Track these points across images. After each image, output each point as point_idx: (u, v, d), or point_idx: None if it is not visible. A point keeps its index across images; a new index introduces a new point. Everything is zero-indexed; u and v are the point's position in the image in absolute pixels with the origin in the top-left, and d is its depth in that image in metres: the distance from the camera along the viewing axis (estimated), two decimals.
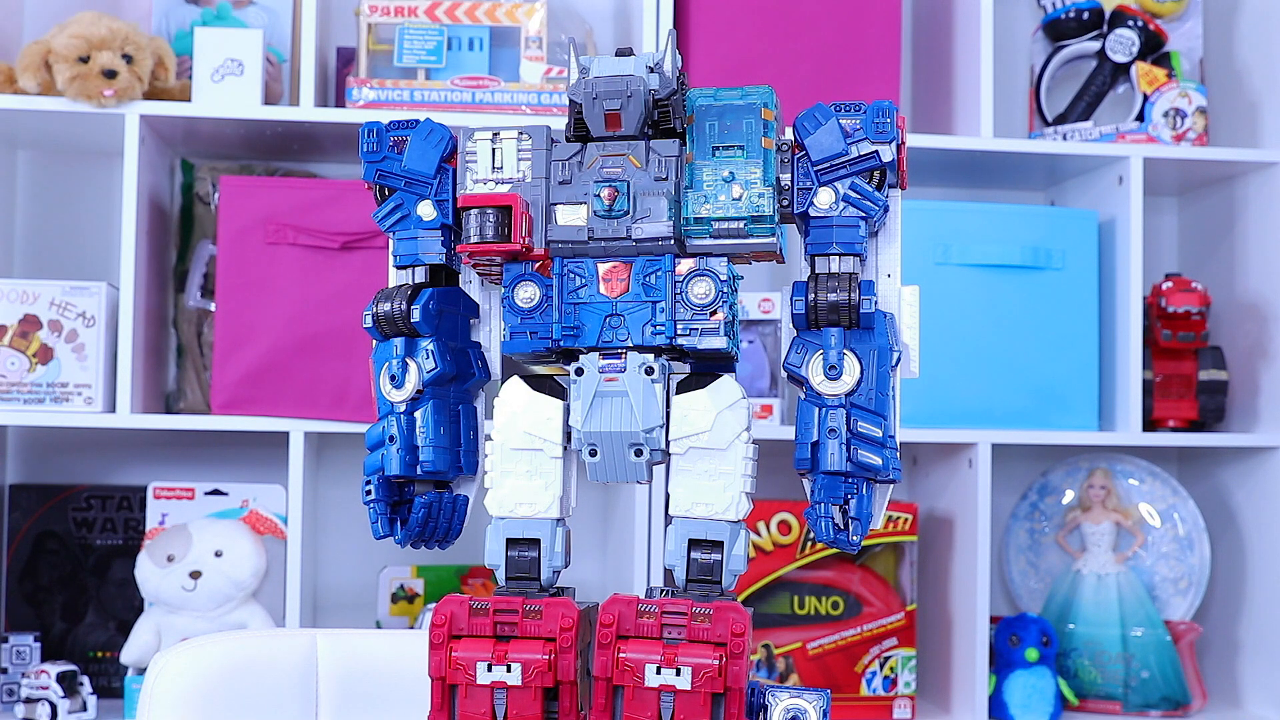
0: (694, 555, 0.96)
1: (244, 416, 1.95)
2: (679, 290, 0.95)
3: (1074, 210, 2.20)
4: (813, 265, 0.97)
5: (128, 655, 1.93)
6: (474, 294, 1.03)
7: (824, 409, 0.93)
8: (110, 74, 1.90)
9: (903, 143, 0.97)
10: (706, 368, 0.99)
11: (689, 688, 0.91)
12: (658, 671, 0.91)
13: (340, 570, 2.23)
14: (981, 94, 2.08)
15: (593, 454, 0.95)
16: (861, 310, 0.94)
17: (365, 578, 2.20)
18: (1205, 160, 2.17)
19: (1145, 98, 2.20)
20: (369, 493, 1.00)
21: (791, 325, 0.96)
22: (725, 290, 0.95)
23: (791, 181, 0.97)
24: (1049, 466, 2.30)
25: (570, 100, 0.98)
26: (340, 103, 2.14)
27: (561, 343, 0.96)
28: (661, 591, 0.97)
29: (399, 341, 0.99)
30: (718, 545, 0.95)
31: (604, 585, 2.15)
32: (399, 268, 1.02)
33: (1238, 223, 2.27)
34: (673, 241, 0.96)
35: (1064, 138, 2.21)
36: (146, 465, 2.17)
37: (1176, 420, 2.20)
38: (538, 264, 0.97)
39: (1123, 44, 2.23)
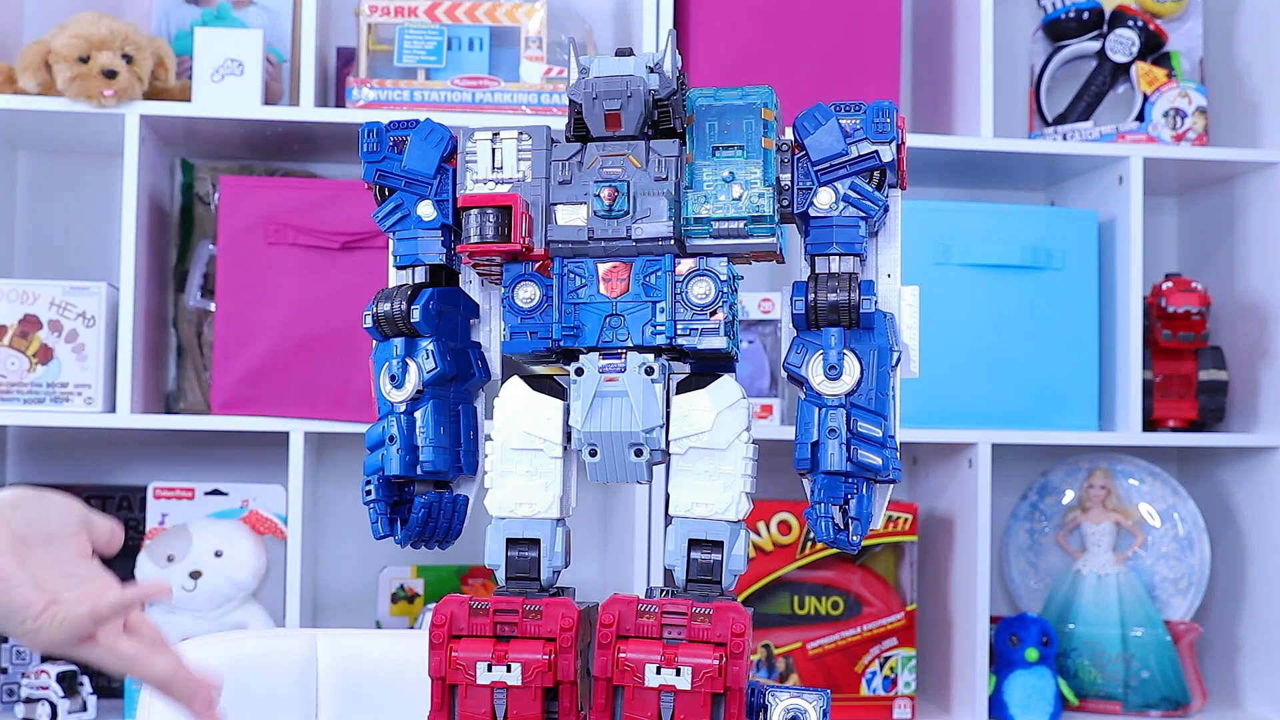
0: (694, 555, 0.96)
1: (244, 416, 1.95)
2: (679, 290, 0.95)
3: (1074, 210, 2.20)
4: (813, 265, 0.97)
5: None
6: (474, 294, 1.03)
7: (824, 409, 0.93)
8: (110, 74, 1.90)
9: (903, 143, 0.97)
10: (706, 368, 0.99)
11: (689, 688, 0.91)
12: (658, 671, 0.91)
13: (340, 570, 2.23)
14: (981, 94, 2.08)
15: (593, 454, 0.95)
16: (861, 310, 0.94)
17: (365, 578, 2.20)
18: (1205, 160, 2.17)
19: (1145, 98, 2.20)
20: (369, 493, 1.00)
21: (791, 325, 0.96)
22: (725, 290, 0.95)
23: (791, 181, 0.97)
24: (1049, 466, 2.30)
25: (570, 100, 0.98)
26: (340, 103, 2.14)
27: (561, 343, 0.96)
28: (661, 591, 0.97)
29: (399, 341, 0.99)
30: (718, 545, 0.95)
31: (604, 585, 2.15)
32: (399, 268, 1.02)
33: (1238, 223, 2.26)
34: (673, 241, 0.96)
35: (1064, 138, 2.21)
36: (146, 465, 2.17)
37: (1176, 420, 2.20)
38: (538, 264, 0.97)
39: (1123, 44, 2.23)
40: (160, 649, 0.95)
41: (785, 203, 0.97)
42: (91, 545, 0.98)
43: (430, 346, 0.98)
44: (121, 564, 2.07)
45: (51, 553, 0.94)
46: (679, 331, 0.95)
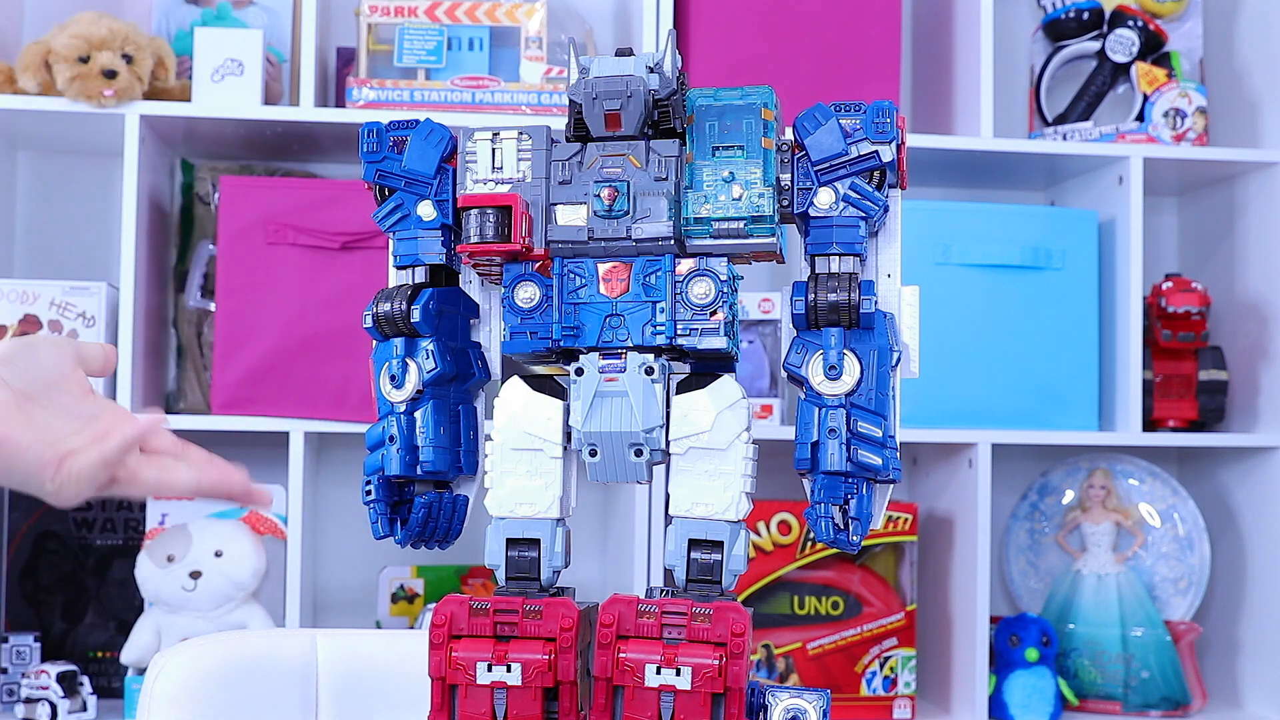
0: (694, 555, 0.96)
1: (244, 416, 1.95)
2: (679, 290, 0.95)
3: (1074, 210, 2.20)
4: (813, 265, 0.97)
5: (128, 655, 1.93)
6: (474, 294, 1.03)
7: (824, 409, 0.93)
8: (110, 74, 1.90)
9: (903, 143, 0.97)
10: (706, 368, 0.99)
11: (689, 688, 0.91)
12: (658, 671, 0.91)
13: (340, 570, 2.23)
14: (981, 94, 2.08)
15: (593, 454, 0.95)
16: (861, 310, 0.94)
17: (365, 578, 2.20)
18: (1205, 160, 2.17)
19: (1145, 98, 2.20)
20: (369, 493, 1.00)
21: (791, 325, 0.96)
22: (725, 290, 0.94)
23: (791, 181, 0.97)
24: (1049, 466, 2.30)
25: (570, 100, 0.98)
26: (340, 103, 2.14)
27: (561, 343, 0.96)
28: (661, 591, 0.97)
29: (399, 341, 0.99)
30: (718, 545, 0.95)
31: (604, 585, 2.15)
32: (399, 268, 1.02)
33: (1238, 223, 2.26)
34: (673, 241, 0.96)
35: (1064, 138, 2.21)
36: None
37: (1176, 420, 2.20)
38: (538, 264, 0.97)
39: (1123, 44, 2.23)
40: (182, 456, 0.97)
41: (785, 203, 0.97)
42: (88, 374, 0.98)
43: (430, 346, 0.98)
44: (122, 564, 2.07)
45: (55, 399, 0.94)
46: (679, 331, 0.95)
